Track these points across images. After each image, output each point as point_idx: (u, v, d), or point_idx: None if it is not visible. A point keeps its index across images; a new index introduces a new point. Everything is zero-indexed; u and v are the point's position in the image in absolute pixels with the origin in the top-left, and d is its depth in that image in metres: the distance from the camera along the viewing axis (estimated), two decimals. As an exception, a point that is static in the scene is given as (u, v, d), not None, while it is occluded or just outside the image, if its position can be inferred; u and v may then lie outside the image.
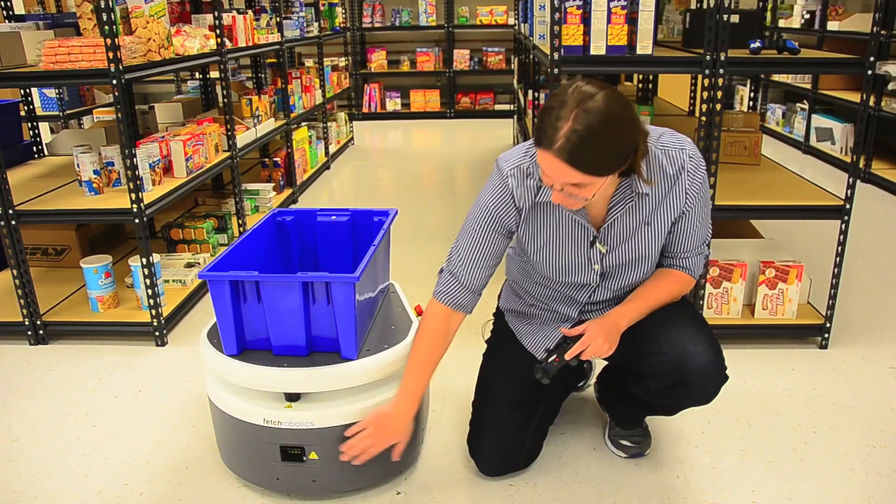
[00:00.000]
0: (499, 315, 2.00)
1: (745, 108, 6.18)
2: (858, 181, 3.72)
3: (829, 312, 2.50)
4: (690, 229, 1.65)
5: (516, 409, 1.80)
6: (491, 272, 1.72)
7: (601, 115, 1.34)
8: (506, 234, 1.69)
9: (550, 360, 1.66)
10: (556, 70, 2.24)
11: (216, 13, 3.25)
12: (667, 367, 1.60)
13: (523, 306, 1.87)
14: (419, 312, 1.96)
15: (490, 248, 1.68)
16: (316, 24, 5.39)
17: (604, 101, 1.36)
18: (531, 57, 4.49)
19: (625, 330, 1.66)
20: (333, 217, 2.08)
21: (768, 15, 5.42)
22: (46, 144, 3.53)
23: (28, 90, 3.48)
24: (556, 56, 2.23)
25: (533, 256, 1.71)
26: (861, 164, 4.72)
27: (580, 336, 1.65)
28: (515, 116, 6.19)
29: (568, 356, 1.63)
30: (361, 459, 1.65)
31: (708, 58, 2.22)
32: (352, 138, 6.48)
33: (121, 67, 2.34)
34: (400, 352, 1.74)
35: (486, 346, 1.99)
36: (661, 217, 1.62)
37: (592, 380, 2.22)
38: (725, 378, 1.62)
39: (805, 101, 5.67)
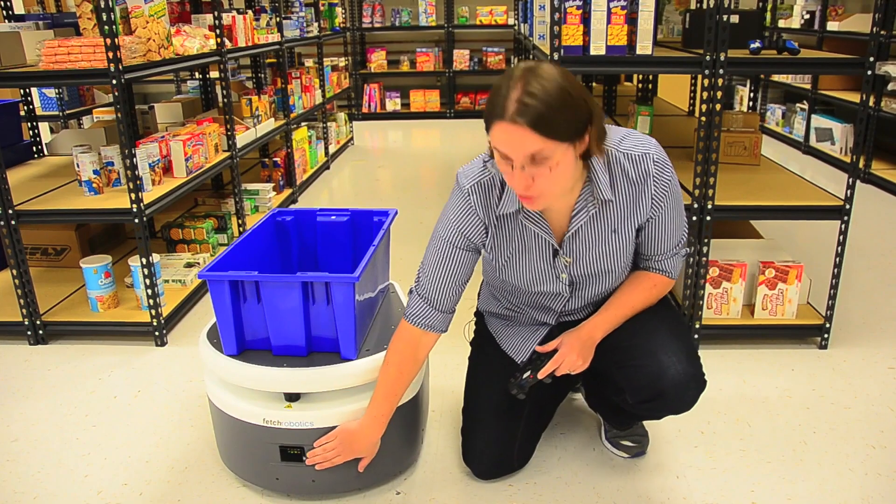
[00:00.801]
0: (480, 316, 1.99)
1: (744, 109, 6.18)
2: (858, 181, 3.72)
3: (828, 313, 2.50)
4: (663, 232, 1.63)
5: (502, 414, 1.79)
6: (461, 289, 1.68)
7: (550, 79, 1.33)
8: (473, 250, 1.65)
9: (524, 376, 1.66)
10: (555, 70, 2.24)
11: (216, 13, 3.25)
12: (643, 381, 1.59)
13: (501, 309, 1.86)
14: None
15: (458, 267, 1.64)
16: (316, 24, 5.39)
17: (550, 68, 1.35)
18: (531, 57, 4.49)
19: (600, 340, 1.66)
20: (333, 217, 2.08)
21: (768, 15, 5.42)
22: (46, 144, 3.53)
23: (28, 90, 3.48)
24: (556, 56, 2.24)
25: (500, 272, 1.69)
26: (861, 165, 4.72)
27: (553, 352, 1.65)
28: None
29: (541, 375, 1.63)
30: (323, 466, 1.67)
31: (708, 58, 2.22)
32: (351, 138, 6.48)
33: (120, 67, 2.34)
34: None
35: (470, 347, 1.98)
36: (628, 225, 1.59)
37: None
38: (703, 386, 1.61)
39: (805, 102, 5.67)
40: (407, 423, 1.79)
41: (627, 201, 1.56)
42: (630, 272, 1.73)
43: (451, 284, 1.65)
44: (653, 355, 1.58)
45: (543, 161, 1.36)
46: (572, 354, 1.61)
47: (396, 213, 2.09)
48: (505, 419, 1.79)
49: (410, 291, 1.71)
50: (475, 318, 2.02)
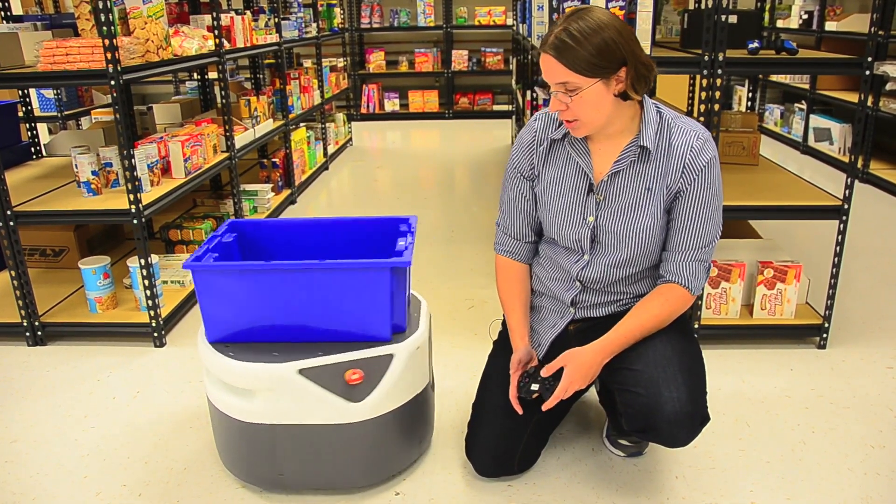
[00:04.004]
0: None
1: (743, 109, 6.18)
2: (856, 181, 3.72)
3: (827, 312, 2.50)
4: (690, 218, 1.64)
5: (511, 414, 1.79)
6: (529, 222, 1.82)
7: (590, 20, 1.49)
8: (530, 180, 1.77)
9: (532, 387, 1.68)
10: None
11: (214, 14, 3.25)
12: (638, 410, 1.59)
13: (531, 298, 1.88)
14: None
15: (521, 196, 1.79)
16: (314, 25, 5.39)
17: (597, 12, 1.52)
18: (529, 57, 4.49)
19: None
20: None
21: (766, 15, 5.42)
22: (44, 145, 3.52)
23: (26, 91, 3.47)
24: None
25: (538, 206, 1.78)
26: (859, 165, 4.72)
27: (559, 372, 1.65)
28: (514, 117, 6.20)
29: (546, 407, 1.65)
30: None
31: (706, 58, 2.22)
32: (350, 139, 6.48)
33: (119, 68, 2.34)
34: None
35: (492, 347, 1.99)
36: (660, 186, 1.63)
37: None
38: (700, 427, 1.61)
39: (803, 102, 5.68)
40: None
41: (663, 162, 1.63)
42: (645, 283, 1.74)
43: (518, 213, 1.81)
44: (654, 386, 1.57)
45: (573, 90, 1.53)
46: (575, 385, 1.63)
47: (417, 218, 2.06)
48: (514, 419, 1.79)
49: (497, 224, 1.90)
50: (502, 318, 2.02)
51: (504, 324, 1.99)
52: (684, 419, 1.56)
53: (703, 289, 1.76)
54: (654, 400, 1.56)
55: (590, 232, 1.69)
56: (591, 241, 1.70)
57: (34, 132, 3.50)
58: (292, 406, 1.67)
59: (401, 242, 1.78)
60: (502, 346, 1.92)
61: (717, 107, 2.25)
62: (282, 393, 1.66)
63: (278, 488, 1.78)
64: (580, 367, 1.63)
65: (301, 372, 1.65)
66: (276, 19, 4.34)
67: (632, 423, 1.63)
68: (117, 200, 2.56)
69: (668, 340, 1.65)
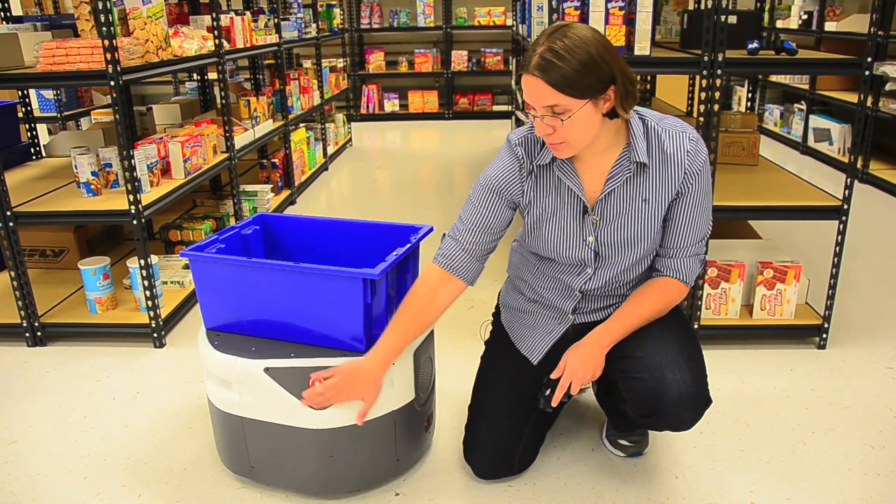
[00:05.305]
0: (497, 315, 1.99)
1: (742, 109, 6.18)
2: (856, 182, 3.74)
3: (827, 313, 2.50)
4: (687, 217, 1.64)
5: (509, 415, 1.79)
6: (492, 240, 1.71)
7: (575, 37, 1.42)
8: (510, 203, 1.69)
9: (546, 393, 1.67)
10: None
11: (214, 14, 3.25)
12: (644, 394, 1.60)
13: (522, 302, 1.86)
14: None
15: (494, 215, 1.68)
16: (314, 26, 5.39)
17: (580, 28, 1.45)
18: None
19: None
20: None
21: (766, 16, 5.43)
22: (44, 146, 3.52)
23: (26, 91, 3.47)
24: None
25: (532, 232, 1.71)
26: (859, 165, 4.71)
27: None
28: (514, 117, 6.20)
29: (554, 402, 1.63)
30: (318, 405, 1.60)
31: (706, 58, 2.22)
32: (350, 139, 6.48)
33: (119, 69, 2.34)
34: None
35: (484, 347, 1.98)
36: (659, 197, 1.61)
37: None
38: (704, 408, 1.62)
39: (803, 102, 5.68)
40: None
41: (661, 172, 1.60)
42: (646, 278, 1.74)
43: (484, 230, 1.68)
44: (658, 370, 1.58)
45: (561, 113, 1.45)
46: (578, 371, 1.62)
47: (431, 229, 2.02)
48: (512, 420, 1.79)
49: (444, 236, 1.74)
50: (492, 319, 2.02)
51: (494, 323, 1.98)
52: (689, 401, 1.58)
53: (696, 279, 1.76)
54: (659, 383, 1.57)
55: (591, 250, 1.68)
56: (594, 257, 1.69)
57: (34, 133, 3.50)
58: (259, 402, 1.68)
59: (393, 254, 1.72)
60: (495, 347, 1.92)
61: (716, 107, 2.25)
62: (250, 388, 1.68)
63: (251, 479, 1.80)
64: (578, 355, 1.63)
65: (267, 370, 1.65)
66: (276, 20, 4.34)
67: (637, 407, 1.63)
68: (117, 201, 2.56)
69: (666, 328, 1.67)
